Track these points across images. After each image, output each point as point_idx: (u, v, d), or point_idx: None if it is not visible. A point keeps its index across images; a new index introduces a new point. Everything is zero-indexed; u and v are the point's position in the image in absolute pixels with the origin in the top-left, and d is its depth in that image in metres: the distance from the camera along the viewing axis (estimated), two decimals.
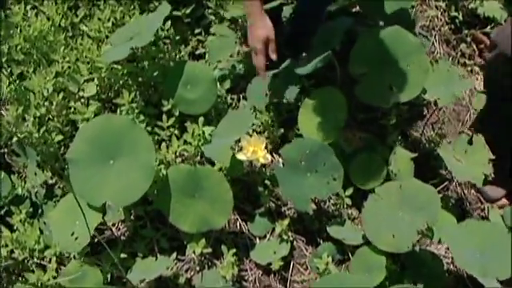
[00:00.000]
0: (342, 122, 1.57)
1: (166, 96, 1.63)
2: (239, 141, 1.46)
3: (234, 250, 1.52)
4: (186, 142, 1.62)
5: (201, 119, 1.59)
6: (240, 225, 1.67)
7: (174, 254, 1.54)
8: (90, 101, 1.60)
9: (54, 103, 1.49)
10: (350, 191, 1.67)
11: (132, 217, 1.63)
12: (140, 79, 1.73)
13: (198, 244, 1.50)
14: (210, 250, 1.53)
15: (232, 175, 1.63)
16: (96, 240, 1.65)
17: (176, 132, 1.67)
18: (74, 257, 1.53)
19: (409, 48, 1.62)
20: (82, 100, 1.57)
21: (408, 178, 1.52)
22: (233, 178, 1.65)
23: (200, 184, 1.39)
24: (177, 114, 1.65)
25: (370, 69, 1.63)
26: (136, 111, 1.58)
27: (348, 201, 1.67)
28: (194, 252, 1.51)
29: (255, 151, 1.40)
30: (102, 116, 1.42)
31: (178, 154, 1.60)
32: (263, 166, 1.67)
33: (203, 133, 1.60)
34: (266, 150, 1.43)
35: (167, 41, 1.88)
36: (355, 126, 1.82)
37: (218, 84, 1.68)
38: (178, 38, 1.88)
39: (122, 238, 1.65)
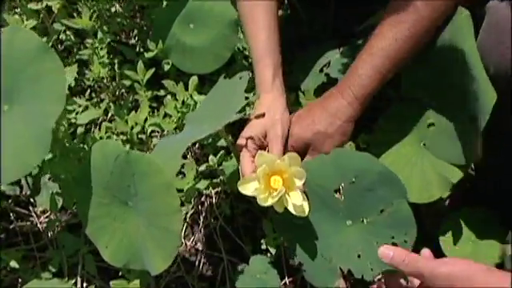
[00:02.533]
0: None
1: (156, 35, 1.01)
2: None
3: None
4: (165, 114, 0.99)
5: (193, 80, 0.93)
6: (225, 269, 1.00)
7: None
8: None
9: None
10: None
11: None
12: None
13: (129, 284, 0.86)
14: None
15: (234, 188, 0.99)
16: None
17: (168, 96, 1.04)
18: None
19: None
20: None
21: None
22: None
23: (136, 185, 0.74)
24: (167, 67, 1.03)
25: (428, 94, 0.85)
26: (102, 46, 0.98)
27: None
28: None
29: (276, 190, 0.70)
30: (13, 28, 0.84)
31: (147, 129, 0.97)
32: None
33: (196, 104, 0.95)
34: (302, 187, 0.72)
35: None
36: None
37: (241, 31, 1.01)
38: None
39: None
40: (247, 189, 0.73)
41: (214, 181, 1.02)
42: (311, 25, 1.20)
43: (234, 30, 0.98)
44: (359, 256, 0.76)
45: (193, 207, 1.06)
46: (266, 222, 0.94)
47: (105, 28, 1.08)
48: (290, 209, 0.72)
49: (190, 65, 0.99)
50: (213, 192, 1.08)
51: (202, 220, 1.05)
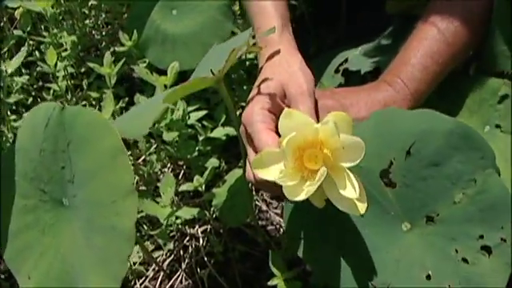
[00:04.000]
0: None
1: (131, 24, 0.83)
2: None
3: None
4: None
5: (173, 66, 0.71)
6: None
7: None
8: None
9: None
10: None
11: None
12: None
13: None
14: None
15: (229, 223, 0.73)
16: None
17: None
18: None
19: None
20: None
21: None
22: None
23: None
24: (143, 66, 0.82)
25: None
26: (62, 35, 0.78)
27: None
28: None
29: (315, 173, 0.43)
30: None
31: None
32: None
33: (176, 102, 0.72)
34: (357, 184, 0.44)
35: None
36: None
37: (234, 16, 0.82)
38: None
39: None
40: (268, 172, 0.46)
41: (202, 213, 0.75)
42: (321, 42, 1.04)
43: (227, 14, 0.79)
44: (429, 277, 0.46)
45: (172, 251, 0.77)
46: (275, 256, 0.64)
47: (73, 37, 0.89)
48: (337, 204, 0.44)
49: (170, 60, 0.77)
50: (199, 230, 0.80)
51: (184, 267, 0.76)
